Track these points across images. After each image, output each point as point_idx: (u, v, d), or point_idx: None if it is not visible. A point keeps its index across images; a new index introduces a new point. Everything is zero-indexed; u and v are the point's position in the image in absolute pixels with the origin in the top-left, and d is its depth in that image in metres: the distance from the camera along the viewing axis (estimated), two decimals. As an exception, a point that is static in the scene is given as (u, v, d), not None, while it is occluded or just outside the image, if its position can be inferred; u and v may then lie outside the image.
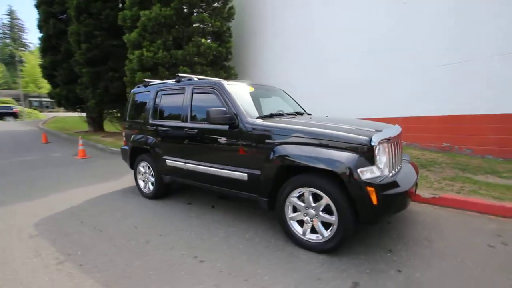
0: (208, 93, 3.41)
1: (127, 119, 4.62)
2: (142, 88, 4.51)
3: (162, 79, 9.12)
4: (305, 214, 2.55)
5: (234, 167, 3.03)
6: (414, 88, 6.29)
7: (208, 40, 10.05)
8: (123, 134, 4.77)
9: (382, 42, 6.84)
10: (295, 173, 2.60)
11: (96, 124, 13.73)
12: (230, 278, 2.18)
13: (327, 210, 2.42)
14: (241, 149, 2.96)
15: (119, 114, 12.82)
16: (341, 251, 2.47)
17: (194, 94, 3.55)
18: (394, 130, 2.80)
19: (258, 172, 2.82)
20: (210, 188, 3.42)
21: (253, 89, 3.55)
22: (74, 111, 14.60)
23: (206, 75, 9.39)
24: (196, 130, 3.40)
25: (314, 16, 8.66)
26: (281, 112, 3.41)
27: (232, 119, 2.99)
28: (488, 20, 5.18)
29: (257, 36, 11.07)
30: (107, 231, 3.13)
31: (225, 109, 3.02)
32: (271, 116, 3.19)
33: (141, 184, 4.37)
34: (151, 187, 4.19)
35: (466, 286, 1.99)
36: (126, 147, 4.60)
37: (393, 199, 2.25)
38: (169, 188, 4.23)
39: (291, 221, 2.64)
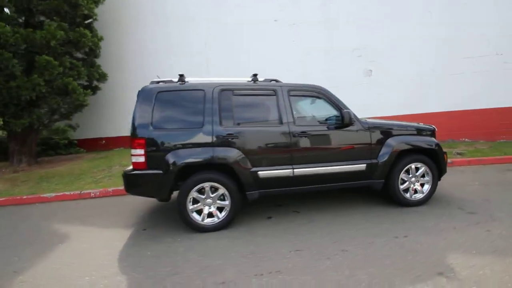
0: (308, 96, 3.50)
1: (152, 127, 3.08)
2: (174, 86, 3.25)
3: (9, 67, 5.46)
4: (409, 183, 3.69)
5: (355, 161, 3.48)
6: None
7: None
8: (136, 152, 3.08)
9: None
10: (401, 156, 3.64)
11: None
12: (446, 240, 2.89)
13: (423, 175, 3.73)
14: (361, 144, 3.51)
15: None
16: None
17: (290, 97, 3.41)
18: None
19: (375, 161, 3.54)
20: (320, 189, 3.49)
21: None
22: None
23: (78, 72, 6.86)
24: (308, 133, 3.35)
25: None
26: None
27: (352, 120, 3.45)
28: (352, 62, 8.51)
29: (130, 33, 9.32)
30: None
31: (350, 111, 3.39)
32: None
33: (195, 216, 3.18)
34: (220, 215, 3.23)
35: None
36: (152, 171, 3.07)
37: (446, 158, 4.00)
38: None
39: (402, 191, 3.65)
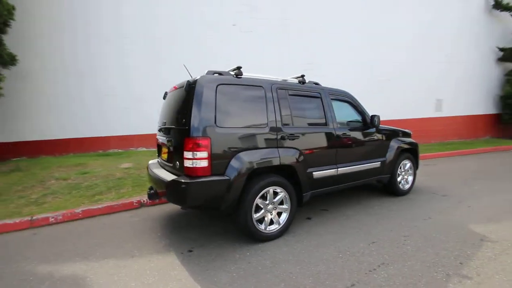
0: (341, 100, 3.77)
1: (217, 126, 2.59)
2: (233, 79, 2.87)
3: None
4: (402, 176, 4.49)
5: (374, 159, 4.00)
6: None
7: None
8: (195, 156, 2.51)
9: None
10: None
11: None
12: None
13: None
14: (379, 144, 4.07)
15: None
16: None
17: (331, 100, 3.58)
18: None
19: (384, 158, 4.16)
20: (348, 186, 3.79)
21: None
22: None
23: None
24: (347, 134, 3.62)
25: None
26: None
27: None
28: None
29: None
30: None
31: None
32: None
33: (257, 224, 2.88)
34: (281, 220, 3.05)
35: None
36: (218, 178, 2.60)
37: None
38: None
39: (398, 181, 4.40)
